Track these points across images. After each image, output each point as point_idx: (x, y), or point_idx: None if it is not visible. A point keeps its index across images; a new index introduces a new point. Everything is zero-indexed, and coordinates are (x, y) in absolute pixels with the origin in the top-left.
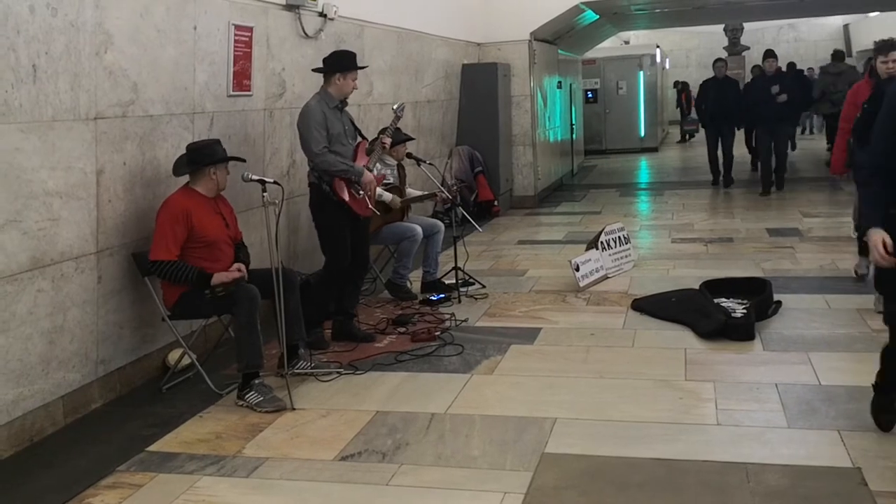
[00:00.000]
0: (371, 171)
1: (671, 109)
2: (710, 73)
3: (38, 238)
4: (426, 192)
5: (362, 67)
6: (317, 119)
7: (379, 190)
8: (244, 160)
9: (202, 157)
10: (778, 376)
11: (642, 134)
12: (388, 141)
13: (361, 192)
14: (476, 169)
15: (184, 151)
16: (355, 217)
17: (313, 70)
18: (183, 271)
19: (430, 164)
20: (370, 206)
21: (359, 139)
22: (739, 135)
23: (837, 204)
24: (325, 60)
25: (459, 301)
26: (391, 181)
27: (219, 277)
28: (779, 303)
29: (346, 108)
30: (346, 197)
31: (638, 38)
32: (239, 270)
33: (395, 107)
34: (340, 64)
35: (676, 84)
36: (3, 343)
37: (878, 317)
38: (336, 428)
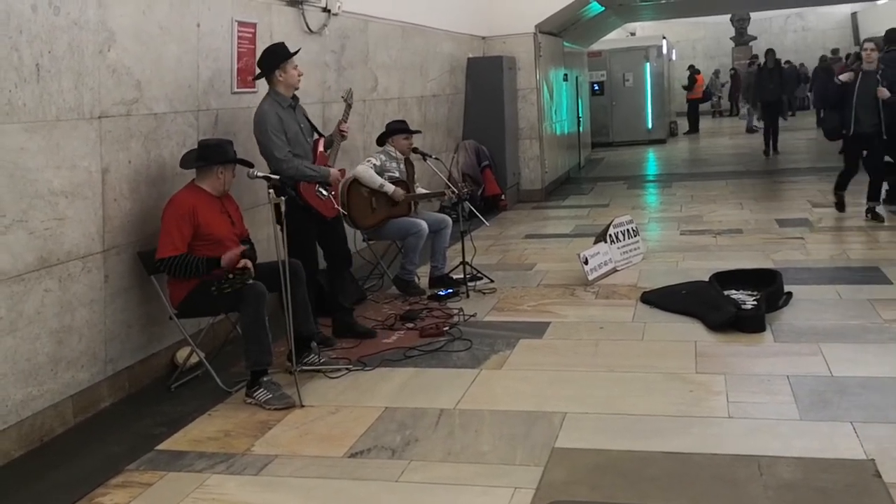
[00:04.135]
0: (332, 166)
1: (679, 101)
2: (715, 65)
3: (45, 238)
4: (434, 191)
5: (294, 53)
6: (273, 124)
7: (379, 180)
8: (252, 165)
9: (212, 154)
10: (789, 368)
11: (649, 126)
12: (346, 128)
13: (325, 194)
14: (483, 163)
15: (189, 149)
16: (322, 220)
17: (253, 79)
18: (191, 262)
19: (436, 158)
20: (336, 205)
21: (315, 136)
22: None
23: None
24: (258, 64)
25: (467, 296)
26: (396, 175)
27: (227, 257)
28: (789, 294)
29: (300, 104)
30: (313, 200)
31: (644, 30)
32: (246, 266)
33: (343, 95)
34: (274, 59)
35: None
36: (12, 343)
37: (889, 307)
38: (345, 424)
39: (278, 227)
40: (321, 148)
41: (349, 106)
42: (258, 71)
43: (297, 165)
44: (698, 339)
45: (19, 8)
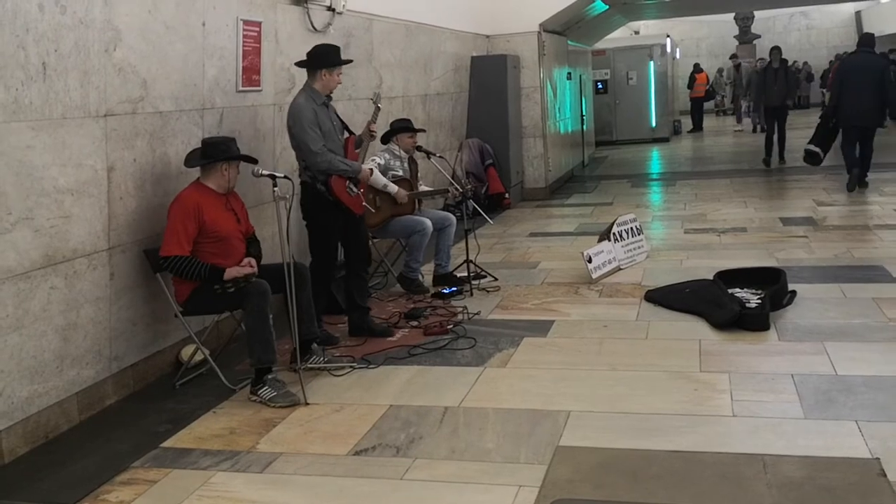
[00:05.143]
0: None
1: (683, 99)
2: (720, 63)
3: (51, 235)
4: (437, 189)
5: (348, 62)
6: (309, 118)
7: (383, 180)
8: (256, 161)
9: (216, 152)
10: (794, 366)
11: (653, 124)
12: (375, 128)
13: (355, 190)
14: (486, 161)
15: (193, 147)
16: (349, 214)
17: (296, 64)
18: (195, 267)
19: (440, 156)
20: (363, 202)
21: (346, 134)
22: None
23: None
24: (309, 55)
25: (471, 294)
26: (399, 173)
27: (231, 272)
28: (794, 292)
29: (332, 103)
30: (342, 196)
31: (648, 28)
32: (250, 265)
33: (371, 97)
34: (326, 59)
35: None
36: (18, 341)
37: (894, 305)
38: (349, 422)
39: (283, 227)
40: (352, 146)
41: (378, 108)
42: (305, 60)
43: (330, 159)
44: (702, 337)
45: (26, 7)
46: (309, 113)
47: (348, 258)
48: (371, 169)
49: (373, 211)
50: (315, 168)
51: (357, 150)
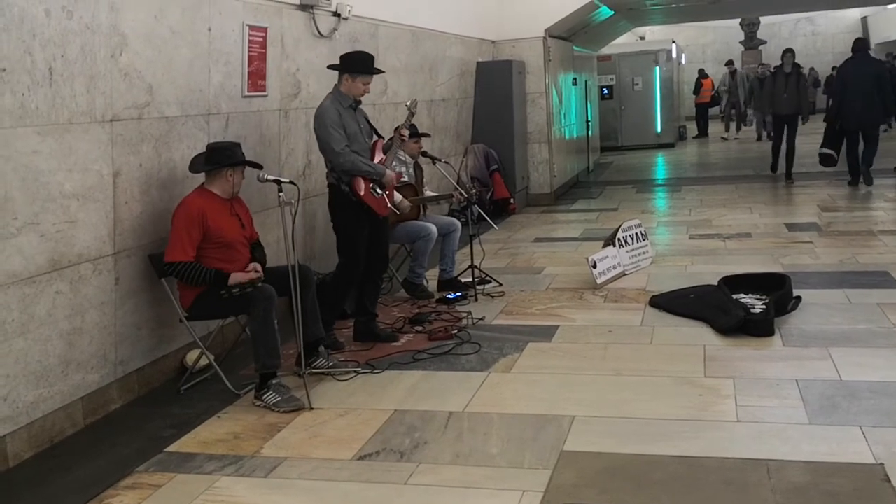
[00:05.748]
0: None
1: (688, 105)
2: (725, 69)
3: (56, 240)
4: (441, 194)
5: (377, 72)
6: (333, 119)
7: None
8: (261, 167)
9: (220, 157)
10: (798, 372)
11: (658, 130)
12: (405, 133)
13: (380, 192)
14: (492, 167)
15: (199, 152)
16: (374, 216)
17: (328, 67)
18: (199, 272)
19: (445, 162)
20: (389, 205)
21: (375, 137)
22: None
23: (856, 198)
24: (341, 58)
25: (476, 299)
26: (406, 179)
27: (236, 277)
28: (798, 298)
29: (360, 107)
30: (366, 197)
31: (653, 34)
32: (255, 271)
33: (408, 103)
34: (350, 65)
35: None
36: (23, 345)
37: None
38: (354, 427)
39: (288, 232)
40: (379, 150)
41: (412, 114)
42: (337, 63)
43: (353, 160)
44: (707, 343)
45: (33, 12)
46: (333, 114)
47: (367, 260)
48: (400, 172)
49: (397, 213)
50: (339, 168)
51: (385, 155)
